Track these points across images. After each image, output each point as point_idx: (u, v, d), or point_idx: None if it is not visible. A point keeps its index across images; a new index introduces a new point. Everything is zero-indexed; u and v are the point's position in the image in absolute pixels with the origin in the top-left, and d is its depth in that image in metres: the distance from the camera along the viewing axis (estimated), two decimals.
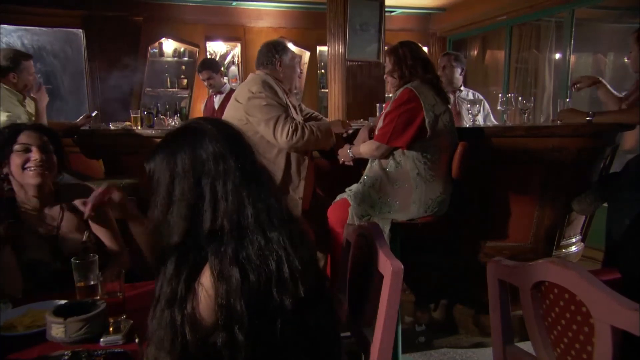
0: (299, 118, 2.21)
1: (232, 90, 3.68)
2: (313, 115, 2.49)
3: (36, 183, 1.38)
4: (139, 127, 2.98)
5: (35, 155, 1.37)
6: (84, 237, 1.43)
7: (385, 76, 2.09)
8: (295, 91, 2.39)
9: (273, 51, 2.20)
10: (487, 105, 3.11)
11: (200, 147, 0.83)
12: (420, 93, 1.87)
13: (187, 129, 0.89)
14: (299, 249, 0.84)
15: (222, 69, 3.61)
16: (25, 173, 1.37)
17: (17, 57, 2.51)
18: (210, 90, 3.64)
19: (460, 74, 3.12)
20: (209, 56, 4.86)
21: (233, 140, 0.87)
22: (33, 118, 2.48)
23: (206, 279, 0.79)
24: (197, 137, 0.85)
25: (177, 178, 0.83)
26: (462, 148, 1.93)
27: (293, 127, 2.02)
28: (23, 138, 1.38)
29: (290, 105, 2.17)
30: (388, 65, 2.03)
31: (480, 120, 2.91)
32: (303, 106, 2.48)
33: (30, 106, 2.53)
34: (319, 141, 2.10)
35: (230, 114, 2.15)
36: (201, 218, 0.81)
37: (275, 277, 0.80)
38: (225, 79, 3.63)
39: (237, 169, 0.84)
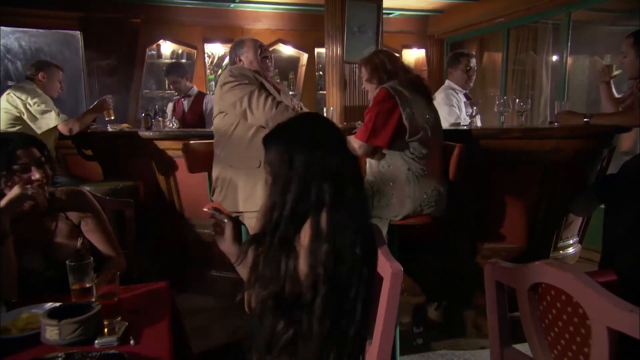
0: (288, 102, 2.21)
1: (199, 93, 3.71)
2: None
3: (39, 201, 1.37)
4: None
5: (35, 174, 1.37)
6: (78, 245, 1.42)
7: (363, 87, 2.13)
8: (290, 94, 2.38)
9: (232, 52, 2.25)
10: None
11: (314, 145, 1.04)
12: (395, 91, 1.89)
13: (300, 119, 1.14)
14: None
15: (187, 73, 3.70)
16: None
17: (48, 63, 2.84)
18: (177, 94, 3.69)
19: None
20: (206, 58, 4.87)
21: (335, 132, 1.11)
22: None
23: (305, 236, 0.99)
24: (313, 132, 1.07)
25: (295, 154, 1.03)
26: (459, 150, 1.93)
27: (271, 99, 1.98)
28: (20, 156, 1.36)
29: (273, 89, 2.15)
30: (365, 75, 2.06)
31: (478, 122, 2.92)
32: (302, 104, 2.46)
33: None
34: None
35: (214, 112, 2.16)
36: (312, 181, 1.01)
37: (362, 245, 1.00)
38: (189, 84, 3.69)
39: (338, 149, 1.06)
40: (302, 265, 0.99)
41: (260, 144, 2.03)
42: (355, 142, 1.95)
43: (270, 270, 1.00)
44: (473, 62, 3.05)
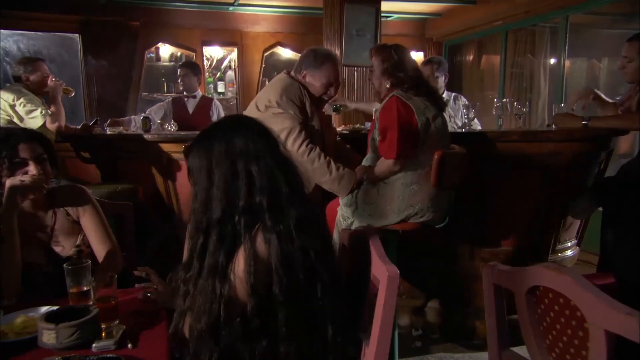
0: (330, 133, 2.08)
1: (204, 97, 3.64)
2: (341, 148, 2.31)
3: (34, 197, 1.38)
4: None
5: (32, 169, 1.36)
6: (78, 241, 1.43)
7: (372, 79, 2.01)
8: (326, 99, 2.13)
9: (302, 61, 2.07)
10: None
11: (234, 135, 0.97)
12: (407, 99, 1.84)
13: (220, 123, 1.04)
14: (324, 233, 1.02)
15: (200, 75, 3.61)
16: None
17: (29, 60, 2.79)
18: (182, 90, 3.58)
19: (444, 81, 3.10)
20: (205, 61, 4.88)
21: (262, 131, 1.01)
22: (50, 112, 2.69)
23: (240, 260, 0.90)
24: (230, 127, 1.00)
25: (214, 162, 0.95)
26: (439, 157, 1.82)
27: (306, 143, 1.86)
28: (21, 151, 1.36)
29: (316, 115, 2.02)
30: (378, 67, 1.93)
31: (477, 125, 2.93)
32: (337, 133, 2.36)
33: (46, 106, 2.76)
34: (332, 179, 1.87)
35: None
36: (238, 195, 0.93)
37: (313, 248, 0.93)
38: (197, 85, 3.60)
39: (268, 153, 0.97)
40: (241, 291, 0.90)
41: None
42: (385, 162, 1.85)
43: (202, 301, 0.90)
44: (431, 69, 3.04)
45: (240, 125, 1.00)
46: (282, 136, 1.88)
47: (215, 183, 0.94)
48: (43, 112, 2.63)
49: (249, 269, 0.88)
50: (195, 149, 0.99)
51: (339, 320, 0.96)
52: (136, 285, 1.23)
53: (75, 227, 1.47)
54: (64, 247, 1.42)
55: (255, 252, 0.89)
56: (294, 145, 1.87)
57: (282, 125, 1.89)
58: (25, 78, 2.72)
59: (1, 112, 2.62)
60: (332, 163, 1.89)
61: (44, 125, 2.62)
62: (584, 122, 2.11)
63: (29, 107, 2.61)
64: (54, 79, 2.78)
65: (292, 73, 2.08)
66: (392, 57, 1.90)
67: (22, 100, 2.61)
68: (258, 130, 1.00)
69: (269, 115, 1.92)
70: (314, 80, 2.02)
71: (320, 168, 1.87)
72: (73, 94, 2.93)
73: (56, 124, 2.63)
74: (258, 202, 0.92)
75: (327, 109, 2.25)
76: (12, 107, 2.61)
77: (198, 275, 0.92)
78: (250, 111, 2.05)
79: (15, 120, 2.63)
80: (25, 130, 1.46)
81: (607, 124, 2.15)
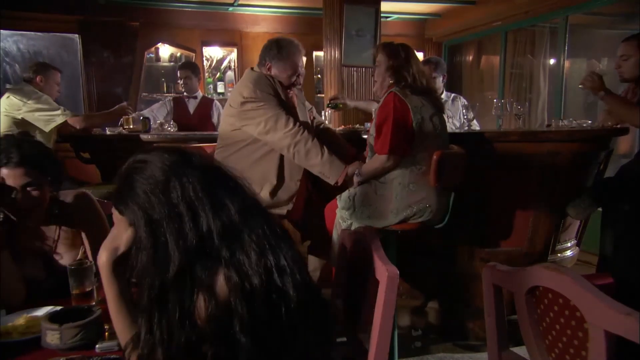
0: (304, 117, 2.12)
1: (204, 97, 3.64)
2: (324, 126, 2.36)
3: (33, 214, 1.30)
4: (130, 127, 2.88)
5: (20, 197, 1.26)
6: (79, 254, 1.40)
7: (375, 75, 2.02)
8: (299, 87, 2.17)
9: (265, 53, 2.06)
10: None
11: (152, 170, 0.82)
12: (404, 96, 1.85)
13: (127, 167, 0.87)
14: (285, 239, 0.85)
15: (200, 75, 3.60)
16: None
17: (45, 65, 2.86)
18: (184, 92, 3.56)
19: (443, 81, 3.09)
20: (205, 61, 4.88)
21: (179, 154, 0.85)
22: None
23: (201, 304, 0.77)
24: (143, 167, 0.84)
25: (148, 210, 0.80)
26: (437, 157, 1.82)
27: (298, 124, 1.88)
28: (5, 177, 1.24)
29: (289, 104, 2.04)
30: (383, 63, 1.94)
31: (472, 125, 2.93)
32: (315, 113, 2.38)
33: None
34: (324, 162, 1.89)
35: (224, 119, 2.08)
36: (186, 235, 0.77)
37: (275, 266, 0.79)
38: (197, 85, 3.58)
39: (196, 170, 0.82)
40: (205, 332, 0.77)
41: (264, 167, 1.96)
42: (378, 158, 1.86)
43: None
44: (429, 69, 2.95)
45: (151, 161, 0.84)
46: (269, 124, 1.89)
47: (162, 232, 0.78)
48: (66, 111, 2.67)
49: (211, 316, 0.76)
50: (122, 206, 0.85)
51: (311, 334, 0.84)
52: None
53: (78, 239, 1.41)
54: (66, 260, 1.37)
55: (216, 297, 0.76)
56: (286, 127, 1.88)
57: (265, 115, 1.90)
58: (39, 80, 2.75)
59: (10, 111, 2.62)
60: (322, 145, 1.92)
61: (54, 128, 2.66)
62: (601, 92, 2.09)
63: (47, 105, 2.66)
64: (127, 105, 2.87)
65: (256, 67, 2.10)
66: (399, 54, 1.92)
67: (37, 100, 2.65)
68: (175, 154, 0.85)
69: (248, 109, 1.92)
70: (280, 72, 2.04)
71: (314, 147, 1.90)
72: (131, 127, 2.79)
73: (79, 120, 2.68)
74: (207, 230, 0.77)
75: (298, 107, 2.25)
76: (26, 106, 2.62)
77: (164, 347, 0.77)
78: (225, 112, 2.05)
79: (30, 119, 2.63)
80: (18, 149, 1.29)
81: (617, 104, 2.12)
